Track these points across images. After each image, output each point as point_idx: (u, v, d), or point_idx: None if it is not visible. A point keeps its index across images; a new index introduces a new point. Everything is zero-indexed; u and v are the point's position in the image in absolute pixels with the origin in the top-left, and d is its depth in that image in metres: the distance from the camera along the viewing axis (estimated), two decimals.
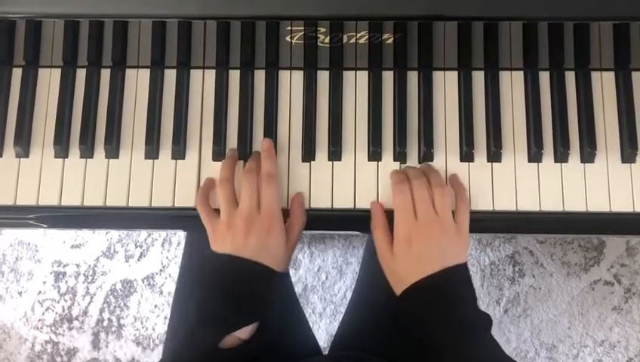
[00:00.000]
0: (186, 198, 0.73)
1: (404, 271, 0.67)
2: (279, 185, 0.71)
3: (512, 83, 0.76)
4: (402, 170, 0.73)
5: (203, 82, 0.76)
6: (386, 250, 0.68)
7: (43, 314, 1.49)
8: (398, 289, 0.67)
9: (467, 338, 0.64)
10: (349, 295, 1.44)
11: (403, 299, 0.67)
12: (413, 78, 0.76)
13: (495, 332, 0.67)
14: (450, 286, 0.66)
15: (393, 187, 0.70)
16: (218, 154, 0.74)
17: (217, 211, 0.70)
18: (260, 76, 0.76)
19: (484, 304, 1.45)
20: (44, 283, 1.49)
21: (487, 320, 0.67)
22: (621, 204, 0.72)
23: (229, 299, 0.65)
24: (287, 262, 0.71)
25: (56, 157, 0.74)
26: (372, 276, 0.92)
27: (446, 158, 0.74)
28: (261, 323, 0.66)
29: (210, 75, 0.76)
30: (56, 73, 0.76)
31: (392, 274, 0.69)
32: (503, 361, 0.64)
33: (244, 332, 0.65)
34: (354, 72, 0.76)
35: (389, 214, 0.70)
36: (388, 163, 0.74)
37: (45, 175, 0.74)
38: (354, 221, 0.74)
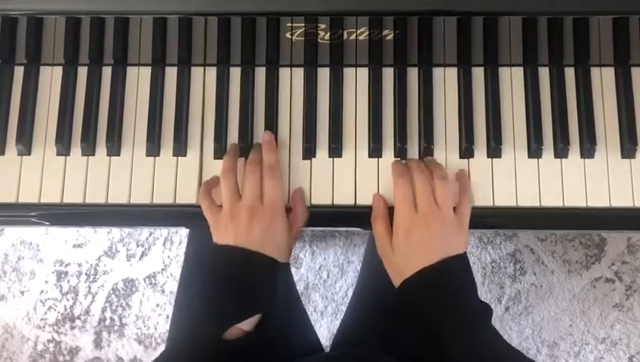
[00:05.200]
0: (188, 195, 0.73)
1: (403, 262, 0.67)
2: (281, 176, 0.72)
3: (511, 79, 0.76)
4: (405, 161, 0.73)
5: (204, 79, 0.76)
6: (385, 241, 0.69)
7: (45, 313, 1.49)
8: (397, 281, 0.67)
9: (468, 327, 0.64)
10: (350, 293, 1.44)
11: (402, 290, 0.67)
12: (413, 74, 0.76)
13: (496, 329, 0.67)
14: (449, 276, 0.66)
15: (394, 179, 0.70)
16: (219, 151, 0.74)
17: (219, 207, 0.70)
18: (260, 73, 0.76)
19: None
20: (47, 282, 1.50)
21: (487, 309, 0.67)
22: (621, 200, 0.72)
23: (232, 291, 0.65)
24: (289, 254, 0.72)
25: (58, 155, 0.75)
26: (373, 274, 0.92)
27: (446, 154, 0.74)
28: (264, 315, 0.66)
29: (211, 72, 0.76)
30: (58, 71, 0.77)
31: (391, 266, 0.69)
32: (505, 350, 0.64)
33: (247, 324, 0.65)
34: (354, 68, 0.76)
35: (390, 210, 0.70)
36: (388, 159, 0.74)
37: (47, 173, 0.74)
38: (355, 217, 0.74)
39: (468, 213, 0.70)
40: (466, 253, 0.68)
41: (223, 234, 0.68)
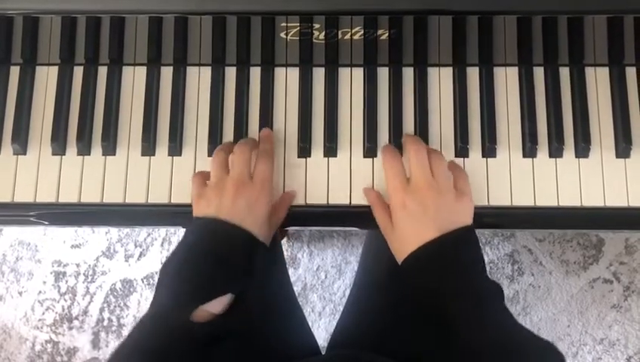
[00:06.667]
0: (183, 195, 0.74)
1: (403, 239, 0.65)
2: (273, 164, 0.71)
3: (506, 79, 0.76)
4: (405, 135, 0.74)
5: (199, 79, 0.77)
6: (386, 223, 0.68)
7: (43, 313, 1.49)
8: (401, 257, 0.66)
9: (473, 305, 0.61)
10: (348, 294, 1.44)
11: (404, 270, 0.65)
12: (408, 74, 0.76)
13: None
14: (454, 249, 0.63)
15: (384, 157, 0.70)
16: (214, 150, 0.74)
17: None
18: (255, 73, 0.76)
19: None
20: (45, 283, 1.50)
21: (495, 287, 0.64)
22: (616, 199, 0.72)
23: (205, 266, 0.62)
24: (269, 238, 0.71)
25: (53, 154, 0.75)
26: (370, 274, 0.92)
27: None
28: (238, 296, 0.63)
29: (206, 72, 0.76)
30: (54, 71, 0.77)
31: (394, 244, 0.68)
32: (518, 331, 0.61)
33: (218, 306, 0.62)
34: (349, 68, 0.76)
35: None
36: None
37: (43, 172, 0.74)
38: (350, 217, 0.74)
39: (467, 182, 0.69)
40: (472, 225, 0.66)
41: (206, 206, 0.66)
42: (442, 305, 0.61)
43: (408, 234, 0.65)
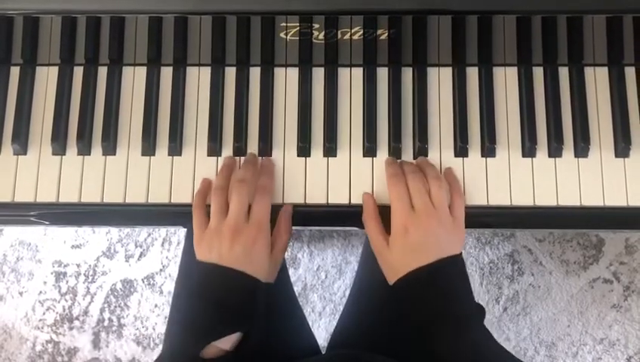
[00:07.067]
0: (183, 195, 0.74)
1: (400, 261, 0.67)
2: (272, 199, 0.71)
3: (505, 79, 0.76)
4: (398, 162, 0.74)
5: (199, 79, 0.77)
6: (379, 240, 0.69)
7: (44, 314, 1.49)
8: (392, 279, 0.67)
9: (458, 328, 0.64)
10: (348, 294, 1.44)
11: (396, 289, 0.67)
12: (407, 74, 0.76)
13: (494, 330, 0.68)
14: (444, 277, 0.66)
15: (389, 179, 0.70)
16: (214, 150, 0.75)
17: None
18: (255, 73, 0.76)
19: (483, 302, 1.45)
20: (45, 283, 1.50)
21: (479, 311, 0.67)
22: (615, 199, 0.72)
23: (210, 308, 0.65)
24: (274, 273, 0.72)
25: (53, 154, 0.75)
26: (370, 274, 0.92)
27: (440, 154, 0.74)
28: (245, 334, 0.65)
29: (206, 72, 0.77)
30: (54, 71, 0.77)
31: (387, 265, 0.69)
32: (495, 351, 0.64)
33: (227, 343, 0.64)
34: (349, 68, 0.76)
35: (384, 209, 0.70)
36: (383, 159, 0.74)
37: (43, 172, 0.75)
38: (350, 217, 0.74)
39: (463, 212, 0.70)
40: (461, 254, 0.69)
41: (208, 251, 0.67)
42: (425, 326, 0.64)
43: (405, 259, 0.67)
